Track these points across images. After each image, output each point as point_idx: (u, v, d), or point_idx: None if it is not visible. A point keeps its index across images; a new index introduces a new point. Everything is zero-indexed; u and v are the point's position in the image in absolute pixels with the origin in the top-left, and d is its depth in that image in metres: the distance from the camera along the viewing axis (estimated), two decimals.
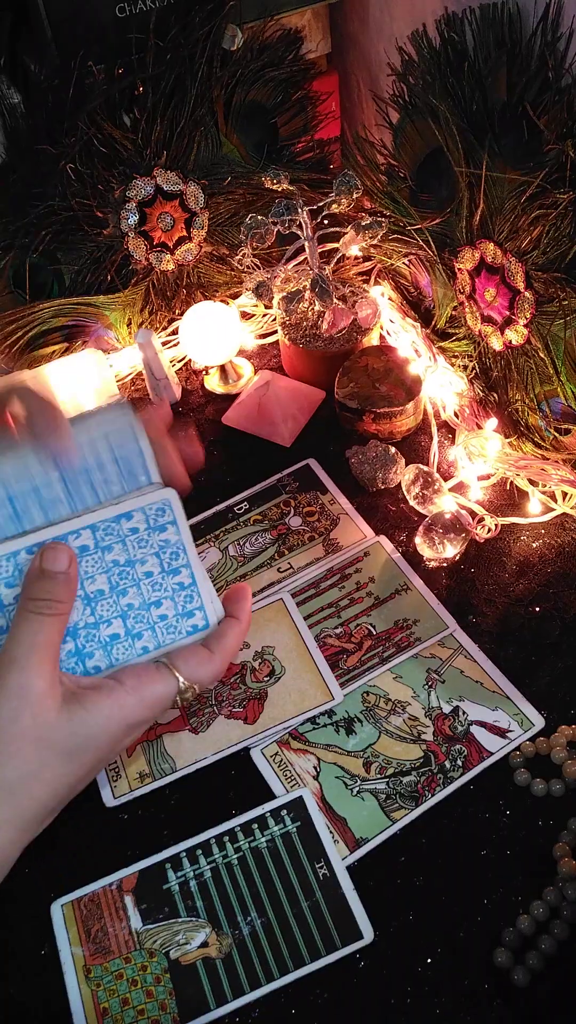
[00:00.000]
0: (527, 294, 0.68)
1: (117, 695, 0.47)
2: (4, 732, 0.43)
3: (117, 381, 0.90)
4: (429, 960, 0.52)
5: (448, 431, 0.81)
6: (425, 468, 0.74)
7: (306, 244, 0.80)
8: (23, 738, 0.44)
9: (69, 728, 0.45)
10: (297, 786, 0.60)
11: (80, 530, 0.48)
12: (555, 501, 0.73)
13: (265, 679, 0.66)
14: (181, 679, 0.49)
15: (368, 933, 0.53)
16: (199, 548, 0.75)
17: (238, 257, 0.82)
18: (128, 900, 0.56)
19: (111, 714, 0.46)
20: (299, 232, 0.79)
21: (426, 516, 0.72)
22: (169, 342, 0.92)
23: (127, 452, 0.50)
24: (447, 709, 0.63)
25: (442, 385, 0.80)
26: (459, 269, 0.75)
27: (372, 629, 0.68)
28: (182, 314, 0.87)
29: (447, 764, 0.60)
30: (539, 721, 0.61)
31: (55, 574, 0.46)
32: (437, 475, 0.74)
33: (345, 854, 0.56)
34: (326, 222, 0.78)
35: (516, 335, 0.71)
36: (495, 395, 0.76)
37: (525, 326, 0.69)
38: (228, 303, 0.92)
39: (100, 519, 0.48)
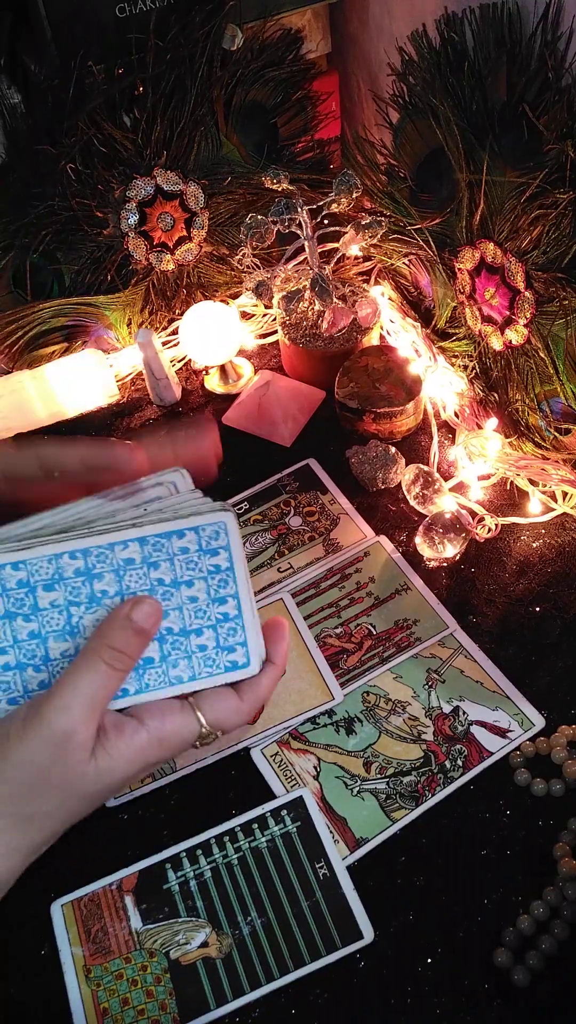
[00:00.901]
0: (527, 294, 0.68)
1: (139, 739, 0.45)
2: (37, 774, 0.43)
3: (117, 381, 0.90)
4: (429, 960, 0.52)
5: (448, 431, 0.81)
6: (425, 468, 0.74)
7: (306, 244, 0.80)
8: (51, 782, 0.43)
9: (95, 776, 0.44)
10: (297, 786, 0.60)
11: (128, 541, 0.45)
12: (555, 501, 0.73)
13: None
14: (204, 723, 0.47)
15: (368, 933, 0.53)
16: None
17: (238, 257, 0.82)
18: (128, 900, 0.56)
19: (132, 758, 0.45)
20: (299, 232, 0.79)
21: (426, 516, 0.72)
22: (169, 342, 0.92)
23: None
24: (447, 709, 0.63)
25: (442, 385, 0.80)
26: (459, 269, 0.75)
27: (372, 629, 0.68)
28: (182, 314, 0.87)
29: (447, 764, 0.60)
30: (539, 721, 0.61)
31: (143, 631, 0.44)
32: (437, 475, 0.74)
33: (345, 854, 0.56)
34: (326, 222, 0.78)
35: (516, 335, 0.71)
36: (495, 395, 0.76)
37: (525, 326, 0.69)
38: (228, 303, 0.92)
39: (150, 533, 0.45)
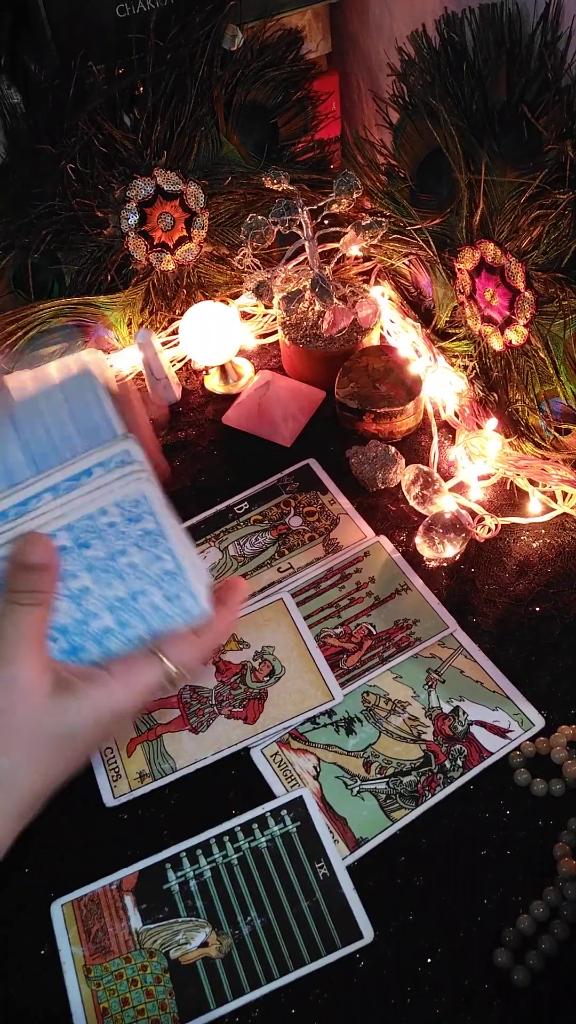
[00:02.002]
0: (527, 294, 0.68)
1: (107, 684, 0.47)
2: None
3: (117, 381, 0.90)
4: (429, 960, 0.52)
5: (448, 431, 0.81)
6: (425, 468, 0.74)
7: (306, 244, 0.80)
8: (15, 730, 0.44)
9: (60, 716, 0.45)
10: (297, 786, 0.60)
11: (56, 532, 0.47)
12: (555, 501, 0.73)
13: (265, 679, 0.66)
14: (170, 665, 0.49)
15: (368, 933, 0.53)
16: (200, 548, 0.75)
17: (238, 257, 0.82)
18: (128, 900, 0.56)
19: (100, 703, 0.46)
20: (299, 232, 0.79)
21: (426, 516, 0.72)
22: (169, 342, 0.92)
23: (88, 408, 0.49)
24: (447, 709, 0.63)
25: (442, 385, 0.80)
26: (459, 269, 0.75)
27: (372, 629, 0.68)
28: (182, 314, 0.87)
29: (447, 764, 0.60)
30: (539, 721, 0.61)
31: (37, 564, 0.46)
32: (437, 475, 0.74)
33: (345, 854, 0.56)
34: (326, 222, 0.78)
35: (516, 335, 0.71)
36: (495, 395, 0.76)
37: (525, 326, 0.69)
38: (228, 303, 0.92)
39: (75, 518, 0.47)
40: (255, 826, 0.58)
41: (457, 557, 0.71)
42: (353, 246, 0.81)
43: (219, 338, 0.84)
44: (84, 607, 0.49)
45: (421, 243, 0.78)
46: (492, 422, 0.75)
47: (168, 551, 0.49)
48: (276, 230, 0.78)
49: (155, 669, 0.49)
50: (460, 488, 0.75)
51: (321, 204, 0.77)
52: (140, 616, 0.49)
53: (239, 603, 0.53)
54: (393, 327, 0.88)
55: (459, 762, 0.60)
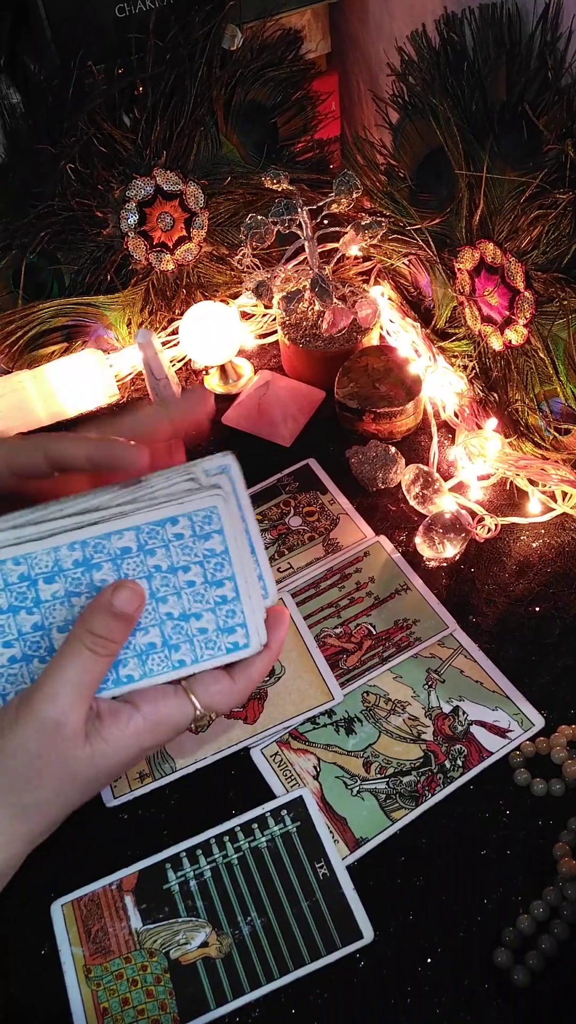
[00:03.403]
0: (527, 294, 0.68)
1: (135, 724, 0.46)
2: (31, 763, 0.43)
3: (117, 381, 0.90)
4: (429, 960, 0.52)
5: (448, 431, 0.81)
6: (425, 468, 0.74)
7: (306, 244, 0.80)
8: (47, 770, 0.43)
9: (91, 760, 0.44)
10: (297, 786, 0.60)
11: (124, 531, 0.45)
12: (555, 501, 0.73)
13: (265, 679, 0.66)
14: (198, 706, 0.47)
15: (368, 933, 0.53)
16: None
17: (238, 257, 0.82)
18: (128, 900, 0.56)
19: (129, 743, 0.45)
20: (299, 232, 0.79)
21: (426, 516, 0.72)
22: (169, 342, 0.92)
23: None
24: (447, 709, 0.63)
25: (442, 385, 0.80)
26: (459, 269, 0.75)
27: (372, 629, 0.68)
28: (182, 314, 0.87)
29: (447, 764, 0.60)
30: (539, 721, 0.61)
31: (123, 615, 0.44)
32: (437, 475, 0.74)
33: (345, 854, 0.56)
34: (326, 222, 0.78)
35: (516, 335, 0.71)
36: (495, 395, 0.76)
37: (525, 326, 0.69)
38: (228, 303, 0.92)
39: (144, 521, 0.46)
40: (255, 826, 0.58)
41: (457, 557, 0.71)
42: (353, 246, 0.81)
43: (219, 338, 0.84)
44: None
45: (421, 243, 0.78)
46: (492, 422, 0.75)
47: (231, 578, 0.48)
48: (276, 230, 0.78)
49: (183, 708, 0.47)
50: (460, 488, 0.75)
51: (321, 204, 0.77)
52: (188, 640, 0.48)
53: (280, 642, 0.50)
54: (393, 327, 0.88)
55: (459, 762, 0.60)
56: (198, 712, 0.47)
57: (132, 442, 0.48)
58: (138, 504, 0.46)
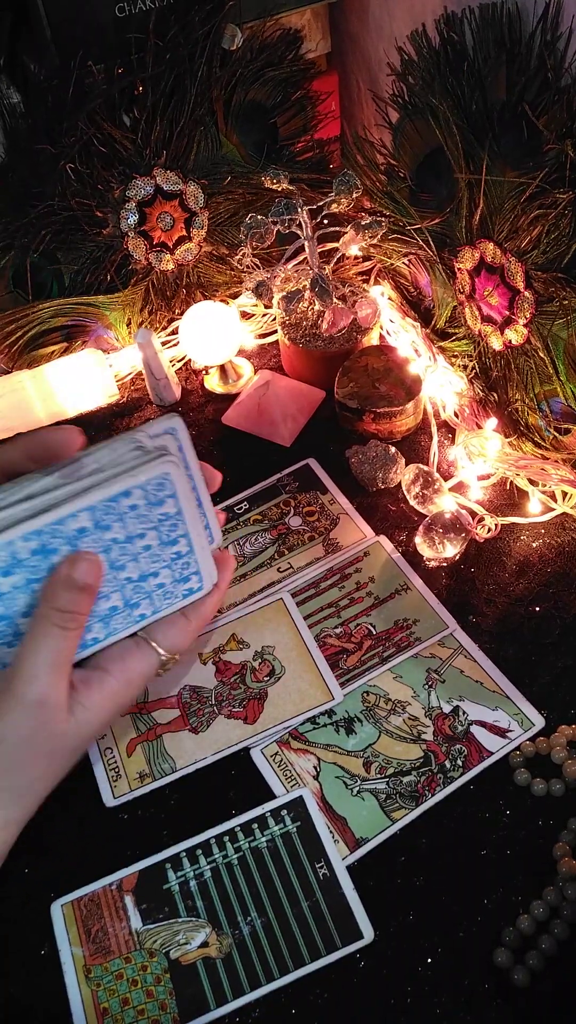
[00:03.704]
0: (527, 294, 0.68)
1: (109, 686, 0.47)
2: (22, 745, 0.44)
3: (117, 381, 0.90)
4: (429, 960, 0.52)
5: (448, 431, 0.81)
6: (425, 468, 0.74)
7: (306, 244, 0.80)
8: (38, 749, 0.45)
9: (75, 731, 0.46)
10: (297, 786, 0.60)
11: (78, 512, 0.45)
12: (555, 501, 0.73)
13: (265, 679, 0.66)
14: (161, 651, 0.50)
15: (368, 933, 0.53)
16: None
17: (238, 257, 0.82)
18: (128, 900, 0.56)
19: (106, 706, 0.47)
20: (299, 232, 0.79)
21: (426, 516, 0.72)
22: (169, 342, 0.92)
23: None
24: (447, 709, 0.63)
25: (442, 385, 0.80)
26: (459, 269, 0.75)
27: (372, 629, 0.68)
28: (182, 314, 0.87)
29: (447, 764, 0.60)
30: (539, 721, 0.61)
31: (85, 586, 0.45)
32: (437, 475, 0.74)
33: (345, 854, 0.56)
34: (326, 222, 0.78)
35: (516, 335, 0.71)
36: (495, 395, 0.76)
37: (525, 326, 0.69)
38: (228, 303, 0.92)
39: (98, 499, 0.45)
40: (255, 826, 0.58)
41: (457, 557, 0.71)
42: (353, 246, 0.81)
43: (219, 338, 0.84)
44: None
45: (421, 243, 0.78)
46: (492, 422, 0.75)
47: (185, 535, 0.49)
48: (276, 230, 0.78)
49: (148, 658, 0.49)
50: (460, 488, 0.75)
51: (321, 204, 0.77)
52: (147, 596, 0.49)
53: (227, 581, 0.53)
54: (393, 327, 0.88)
55: (459, 762, 0.60)
56: (162, 656, 0.50)
57: (59, 428, 0.49)
58: (88, 481, 0.45)
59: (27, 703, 0.44)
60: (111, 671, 0.48)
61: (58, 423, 0.87)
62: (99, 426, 0.87)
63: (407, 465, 0.76)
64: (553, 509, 0.73)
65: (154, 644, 0.50)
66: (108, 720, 0.48)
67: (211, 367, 0.90)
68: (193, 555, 0.50)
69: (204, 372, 0.91)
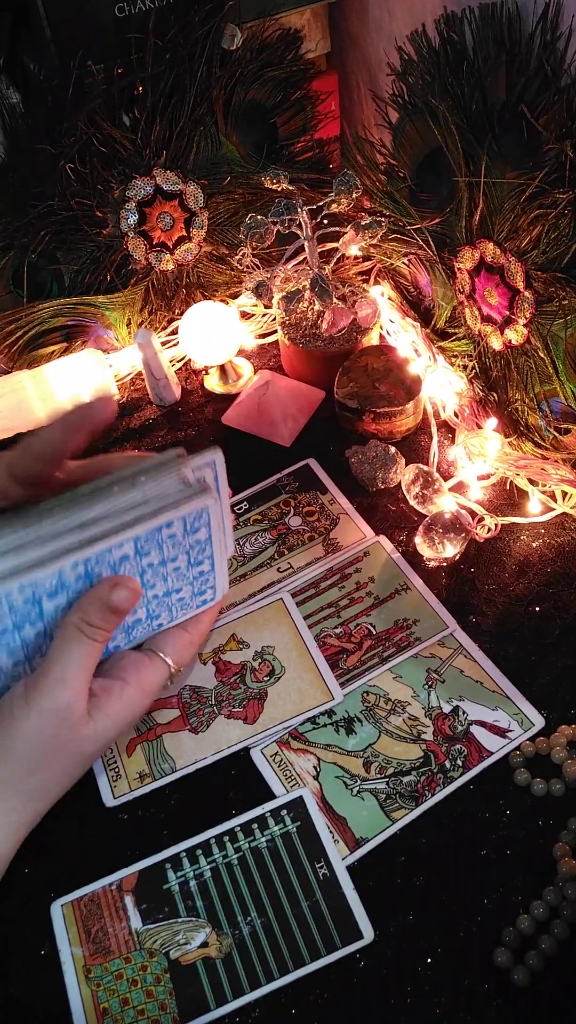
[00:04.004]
0: (527, 294, 0.68)
1: (128, 695, 0.50)
2: (44, 746, 0.46)
3: (117, 381, 0.90)
4: (429, 960, 0.52)
5: (448, 431, 0.81)
6: (425, 468, 0.74)
7: (306, 244, 0.80)
8: (59, 753, 0.47)
9: (94, 736, 0.48)
10: (297, 786, 0.60)
11: (123, 542, 0.47)
12: (555, 501, 0.73)
13: (265, 679, 0.66)
14: (171, 664, 0.52)
15: (368, 933, 0.53)
16: None
17: (238, 257, 0.82)
18: (128, 900, 0.56)
19: (124, 713, 0.49)
20: (299, 232, 0.79)
21: (426, 516, 0.72)
22: (169, 342, 0.92)
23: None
24: (447, 709, 0.63)
25: (442, 385, 0.80)
26: (459, 269, 0.75)
27: (372, 629, 0.68)
28: (182, 314, 0.87)
29: (447, 764, 0.60)
30: (539, 721, 0.61)
31: (121, 611, 0.47)
32: (437, 475, 0.74)
33: (345, 854, 0.56)
34: (326, 222, 0.78)
35: (516, 335, 0.71)
36: (495, 395, 0.76)
37: (525, 326, 0.69)
38: (228, 303, 0.92)
39: (143, 531, 0.48)
40: (255, 826, 0.58)
41: (457, 557, 0.71)
42: (352, 246, 0.81)
43: (219, 338, 0.84)
44: None
45: (421, 243, 0.78)
46: (492, 422, 0.75)
47: (210, 556, 0.52)
48: (275, 230, 0.78)
49: (160, 670, 0.52)
50: (460, 488, 0.75)
51: (320, 204, 0.77)
52: (168, 609, 0.52)
53: (223, 592, 0.57)
54: (393, 327, 0.88)
55: (459, 762, 0.60)
56: (172, 669, 0.53)
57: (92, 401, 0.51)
58: (135, 514, 0.48)
59: (56, 704, 0.46)
60: (129, 681, 0.50)
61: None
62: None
63: (407, 465, 0.76)
64: (553, 509, 0.73)
65: (163, 656, 0.52)
66: (123, 729, 0.49)
67: (211, 367, 0.90)
68: (213, 572, 0.53)
69: (204, 372, 0.91)
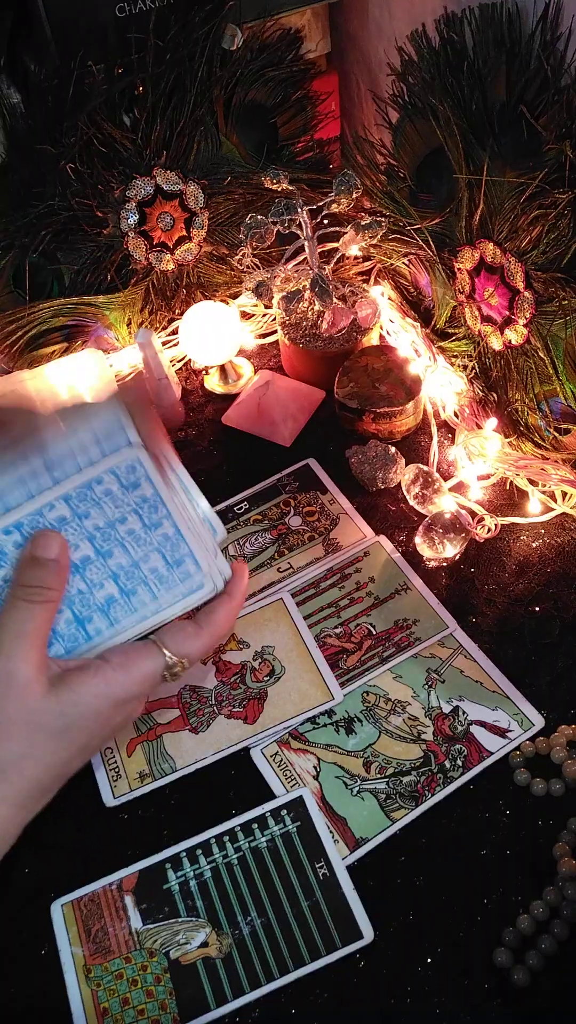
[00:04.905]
0: (527, 294, 0.68)
1: (103, 672, 0.47)
2: None
3: (117, 381, 0.90)
4: (429, 960, 0.52)
5: (448, 431, 0.81)
6: (425, 468, 0.74)
7: (306, 244, 0.80)
8: (11, 722, 0.45)
9: (57, 708, 0.45)
10: (297, 786, 0.60)
11: (54, 502, 0.47)
12: (555, 501, 0.73)
13: (265, 679, 0.66)
14: (168, 654, 0.49)
15: (368, 933, 0.53)
16: None
17: (238, 257, 0.82)
18: (128, 900, 0.56)
19: (98, 691, 0.47)
20: (299, 232, 0.79)
21: (426, 516, 0.72)
22: (169, 342, 0.92)
23: (108, 425, 0.50)
24: (447, 709, 0.63)
25: (442, 385, 0.80)
26: (458, 269, 0.75)
27: (372, 629, 0.68)
28: (182, 314, 0.87)
29: (447, 764, 0.60)
30: (539, 721, 0.61)
31: (46, 561, 0.46)
32: (437, 475, 0.74)
33: (345, 854, 0.56)
34: (326, 222, 0.78)
35: (516, 335, 0.71)
36: (495, 395, 0.76)
37: (525, 326, 0.69)
38: (228, 303, 0.92)
39: (72, 487, 0.47)
40: (255, 826, 0.58)
41: (457, 557, 0.71)
42: (352, 246, 0.81)
43: (219, 338, 0.84)
44: (87, 577, 0.49)
45: (421, 243, 0.78)
46: (492, 422, 0.75)
47: (167, 516, 0.49)
48: (275, 230, 0.78)
49: (154, 658, 0.49)
50: (460, 488, 0.75)
51: (320, 204, 0.77)
52: (144, 583, 0.50)
53: (243, 592, 0.53)
54: (393, 327, 0.88)
55: (459, 762, 0.60)
56: (168, 659, 0.49)
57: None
58: (58, 473, 0.47)
59: None
60: (110, 660, 0.48)
61: None
62: None
63: (407, 465, 0.76)
64: (553, 509, 0.73)
65: (159, 644, 0.49)
66: (103, 710, 0.47)
67: (211, 367, 0.90)
68: (181, 538, 0.50)
69: (204, 372, 0.91)
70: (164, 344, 0.92)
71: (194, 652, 0.50)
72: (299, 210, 0.77)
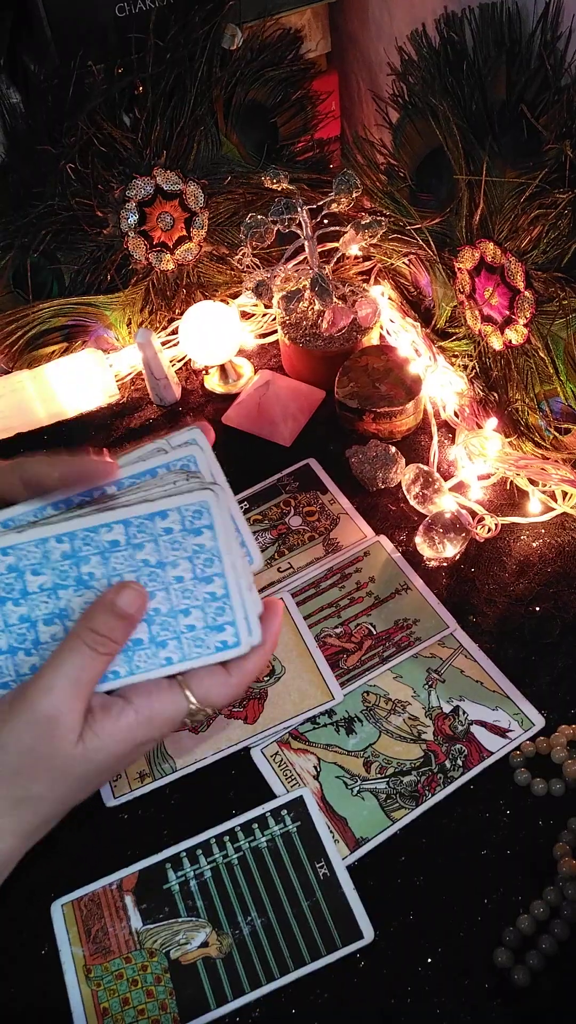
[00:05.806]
0: (527, 294, 0.68)
1: (127, 718, 0.45)
2: (23, 755, 0.43)
3: (117, 381, 0.90)
4: (429, 960, 0.52)
5: (448, 431, 0.81)
6: (425, 468, 0.74)
7: (306, 243, 0.80)
8: (40, 765, 0.44)
9: (85, 756, 0.44)
10: (297, 786, 0.60)
11: (113, 524, 0.45)
12: (555, 501, 0.73)
13: (265, 679, 0.66)
14: (193, 699, 0.47)
15: (368, 933, 0.53)
16: None
17: (238, 257, 0.82)
18: (128, 900, 0.56)
19: (121, 737, 0.45)
20: (299, 231, 0.79)
21: (426, 516, 0.72)
22: (169, 342, 0.92)
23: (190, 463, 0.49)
24: (447, 709, 0.63)
25: (442, 385, 0.80)
26: (459, 269, 0.75)
27: (372, 629, 0.68)
28: (182, 314, 0.87)
29: (447, 764, 0.60)
30: (539, 721, 0.61)
31: (126, 615, 0.45)
32: (437, 475, 0.74)
33: (345, 854, 0.56)
34: (326, 221, 0.78)
35: (516, 335, 0.71)
36: (495, 395, 0.76)
37: (525, 326, 0.69)
38: (228, 303, 0.92)
39: (134, 515, 0.45)
40: (255, 826, 0.58)
41: (457, 557, 0.71)
42: (353, 245, 0.81)
43: (219, 338, 0.84)
44: None
45: (421, 243, 0.78)
46: (492, 422, 0.75)
47: (220, 574, 0.47)
48: (275, 229, 0.78)
49: (176, 701, 0.47)
50: (460, 488, 0.75)
51: (320, 203, 0.77)
52: (176, 637, 0.47)
53: (276, 636, 0.50)
54: (393, 327, 0.88)
55: (459, 762, 0.60)
56: (192, 706, 0.47)
57: (101, 456, 0.48)
58: (126, 498, 0.45)
59: (37, 714, 0.43)
60: (133, 703, 0.46)
61: (59, 423, 0.87)
62: (99, 426, 0.88)
63: (407, 465, 0.76)
64: (553, 509, 0.73)
65: (186, 689, 0.47)
66: (123, 754, 0.46)
67: (211, 367, 0.90)
68: (229, 600, 0.47)
69: (204, 372, 0.91)
70: (164, 344, 0.92)
71: (220, 701, 0.48)
72: (299, 210, 0.77)
